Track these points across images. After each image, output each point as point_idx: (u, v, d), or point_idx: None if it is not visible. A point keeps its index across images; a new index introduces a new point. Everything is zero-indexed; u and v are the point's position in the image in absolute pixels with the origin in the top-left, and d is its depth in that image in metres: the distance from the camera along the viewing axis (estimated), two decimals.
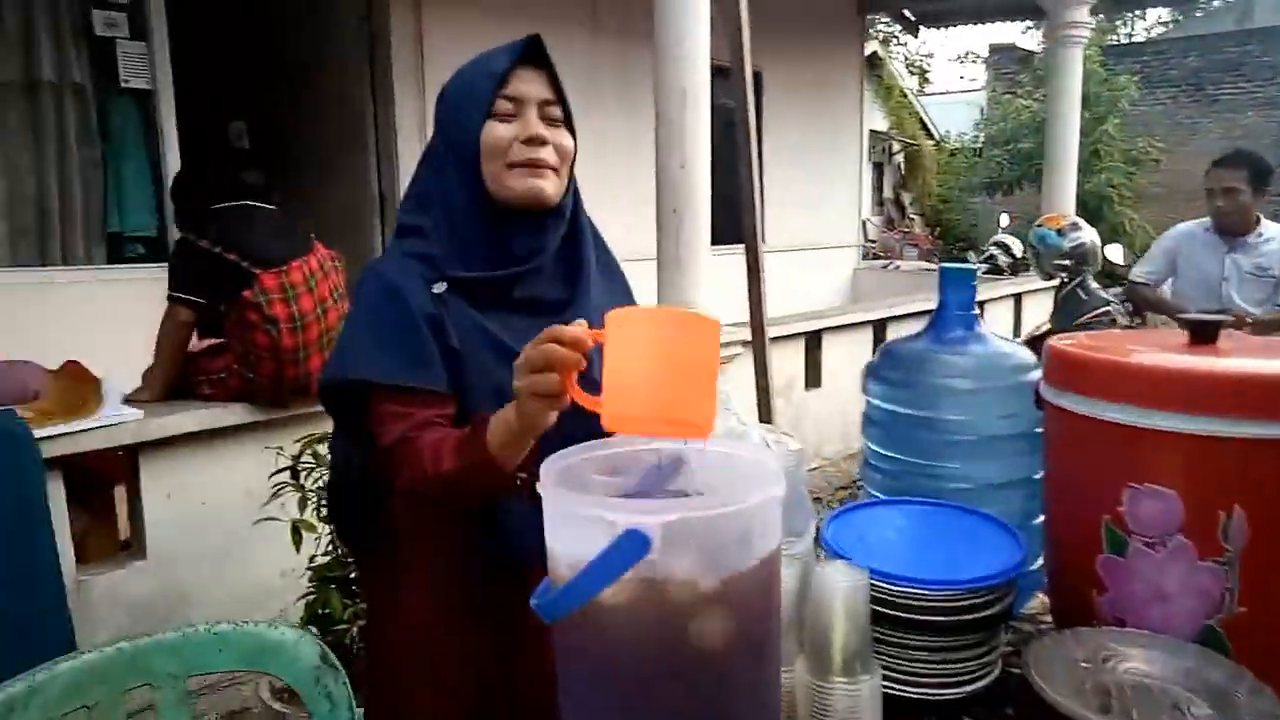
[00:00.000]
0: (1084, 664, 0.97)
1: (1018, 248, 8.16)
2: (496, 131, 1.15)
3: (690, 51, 3.29)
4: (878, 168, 17.69)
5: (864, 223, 14.91)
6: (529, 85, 1.17)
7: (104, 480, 2.66)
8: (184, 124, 4.28)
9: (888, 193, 18.11)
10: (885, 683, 1.03)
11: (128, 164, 4.19)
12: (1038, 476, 1.32)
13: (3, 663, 1.59)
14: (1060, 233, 4.51)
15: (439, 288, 1.15)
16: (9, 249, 3.86)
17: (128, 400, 2.60)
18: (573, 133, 1.22)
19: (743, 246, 3.17)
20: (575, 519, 0.88)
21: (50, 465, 2.12)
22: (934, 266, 11.87)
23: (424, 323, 1.11)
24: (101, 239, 4.13)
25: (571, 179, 1.25)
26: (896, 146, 17.86)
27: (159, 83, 4.16)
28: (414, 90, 4.81)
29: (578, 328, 0.91)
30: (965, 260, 12.56)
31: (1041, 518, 1.33)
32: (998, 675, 1.14)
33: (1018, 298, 7.59)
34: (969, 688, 1.10)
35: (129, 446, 2.45)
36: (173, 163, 4.20)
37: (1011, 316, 7.52)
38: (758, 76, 7.36)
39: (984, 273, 8.51)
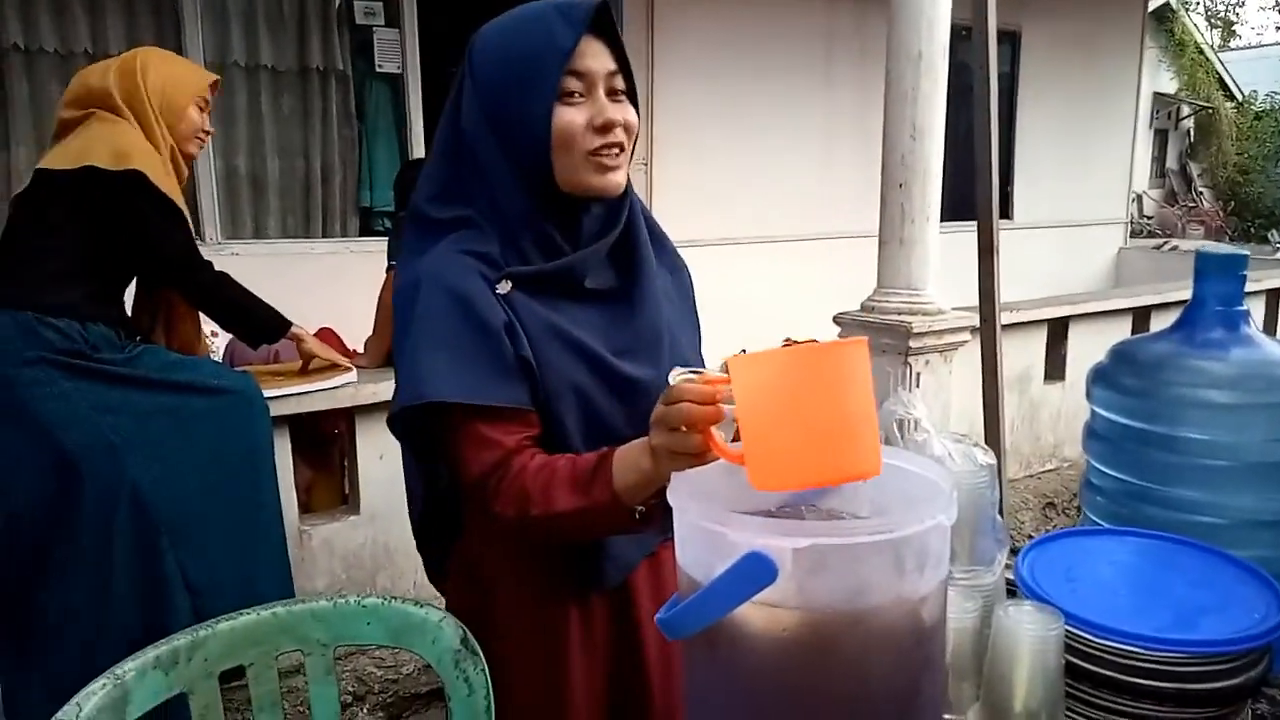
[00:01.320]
0: None
1: None
2: (567, 118, 1.01)
3: (928, 10, 3.01)
4: (1160, 135, 15.85)
5: (1138, 197, 13.42)
6: (596, 59, 1.02)
7: (334, 439, 2.89)
8: (429, 105, 4.55)
9: (1171, 163, 16.22)
10: None
11: (379, 144, 4.57)
12: None
13: (228, 601, 1.73)
14: None
15: (503, 288, 1.04)
16: (280, 222, 4.33)
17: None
18: (635, 104, 1.08)
19: (977, 224, 2.88)
20: (700, 532, 0.80)
21: (278, 423, 2.33)
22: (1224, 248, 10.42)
23: (501, 332, 1.02)
24: (355, 213, 4.56)
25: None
26: (1186, 110, 15.85)
27: (408, 67, 4.48)
28: (642, 64, 4.88)
29: (701, 384, 0.83)
30: (1266, 240, 10.96)
31: None
32: None
33: None
34: None
35: (347, 409, 2.64)
36: (419, 142, 4.50)
37: None
38: (1014, 36, 6.73)
39: None
